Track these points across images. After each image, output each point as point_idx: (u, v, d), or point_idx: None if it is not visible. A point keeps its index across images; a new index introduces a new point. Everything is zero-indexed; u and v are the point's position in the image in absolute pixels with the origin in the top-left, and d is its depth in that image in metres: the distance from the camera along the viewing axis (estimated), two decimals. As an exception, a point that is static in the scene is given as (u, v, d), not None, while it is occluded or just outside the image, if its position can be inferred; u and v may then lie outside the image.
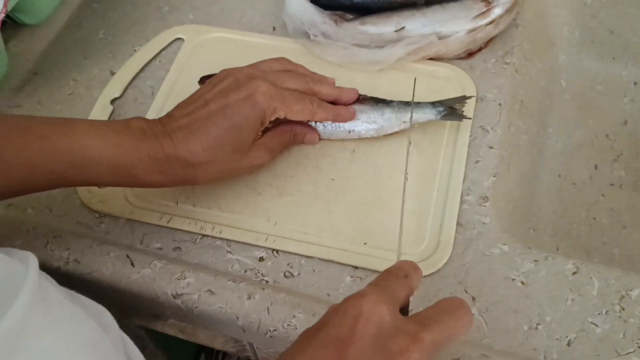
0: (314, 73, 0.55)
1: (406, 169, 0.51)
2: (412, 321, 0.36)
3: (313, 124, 0.54)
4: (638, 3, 0.67)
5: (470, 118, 0.55)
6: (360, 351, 0.34)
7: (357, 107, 0.54)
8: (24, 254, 0.33)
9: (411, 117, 0.53)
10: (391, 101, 0.54)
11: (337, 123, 0.53)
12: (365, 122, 0.54)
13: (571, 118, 0.68)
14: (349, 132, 0.54)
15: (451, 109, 0.53)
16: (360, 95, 0.55)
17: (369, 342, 0.34)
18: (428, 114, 0.53)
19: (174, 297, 0.46)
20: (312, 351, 0.35)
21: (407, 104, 0.54)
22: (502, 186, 0.54)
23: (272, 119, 0.49)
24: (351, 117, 0.53)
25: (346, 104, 0.54)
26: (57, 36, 0.65)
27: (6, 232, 0.50)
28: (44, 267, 0.48)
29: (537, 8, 0.66)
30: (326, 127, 0.54)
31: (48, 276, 0.35)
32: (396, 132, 0.54)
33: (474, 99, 0.57)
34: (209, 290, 0.46)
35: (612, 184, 0.64)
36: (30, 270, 0.31)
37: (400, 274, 0.40)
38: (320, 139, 0.55)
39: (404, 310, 0.39)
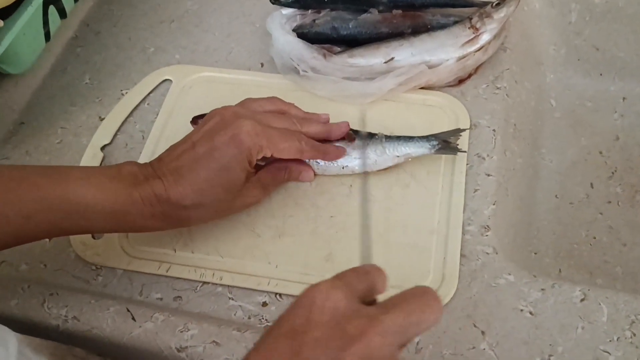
0: (307, 112, 0.55)
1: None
2: (375, 307, 0.35)
3: (307, 160, 0.54)
4: (621, 19, 0.68)
5: (465, 152, 0.54)
6: (315, 339, 0.33)
7: (349, 143, 0.54)
8: (3, 334, 0.32)
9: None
10: (384, 136, 0.54)
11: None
12: (358, 157, 0.53)
13: (563, 136, 0.68)
14: (342, 167, 0.54)
15: (445, 142, 0.53)
16: (352, 130, 0.54)
17: (324, 329, 0.33)
18: (422, 149, 0.53)
19: (179, 350, 0.45)
20: (266, 346, 0.34)
21: (400, 138, 0.53)
22: (502, 213, 0.53)
23: (259, 157, 0.48)
24: (340, 156, 0.53)
25: (338, 139, 0.54)
26: (42, 84, 0.64)
27: (1, 292, 0.49)
28: (42, 327, 0.48)
29: (522, 30, 0.66)
30: (319, 164, 0.54)
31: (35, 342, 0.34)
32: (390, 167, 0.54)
33: (467, 125, 0.56)
34: (214, 341, 0.45)
35: (609, 201, 0.64)
36: (10, 357, 0.30)
37: (360, 270, 0.38)
38: (315, 175, 0.54)
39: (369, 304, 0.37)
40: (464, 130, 0.54)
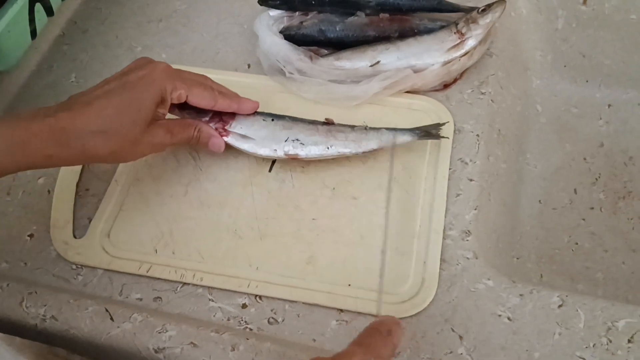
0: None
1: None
2: None
3: (297, 143, 0.54)
4: (608, 27, 0.68)
5: (447, 137, 0.55)
6: None
7: (336, 127, 0.55)
8: None
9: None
10: (370, 127, 0.55)
11: (316, 139, 0.54)
12: (343, 140, 0.54)
13: (548, 142, 0.69)
14: (328, 147, 0.54)
15: (428, 132, 0.54)
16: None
17: None
18: (406, 135, 0.54)
19: (156, 351, 0.45)
20: None
21: (385, 129, 0.55)
22: (484, 218, 0.53)
23: (174, 96, 0.50)
24: (255, 107, 0.55)
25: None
26: (27, 81, 0.64)
27: (-20, 290, 0.49)
28: (20, 326, 0.47)
29: (509, 35, 0.66)
30: (304, 146, 0.54)
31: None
32: (375, 161, 0.55)
33: (451, 123, 0.57)
34: (192, 343, 0.45)
35: (592, 208, 0.64)
36: None
37: (384, 331, 0.39)
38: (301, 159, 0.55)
39: None
40: (443, 124, 0.55)
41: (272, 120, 0.55)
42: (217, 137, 0.54)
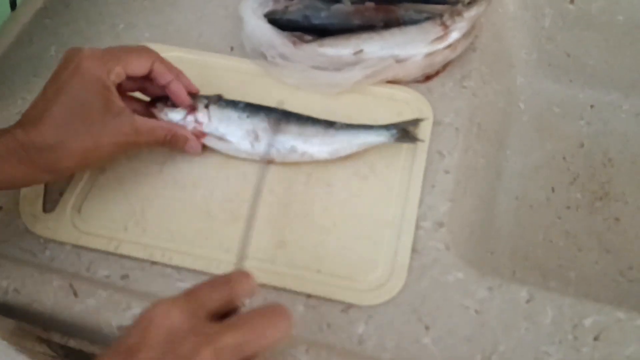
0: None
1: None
2: (218, 324, 0.36)
3: (265, 146, 0.53)
4: (594, 27, 0.68)
5: (423, 141, 0.54)
6: (148, 359, 0.33)
7: (310, 129, 0.54)
8: None
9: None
10: (344, 124, 0.54)
11: (290, 146, 0.53)
12: (317, 145, 0.53)
13: (529, 140, 0.69)
14: (302, 154, 0.53)
15: (405, 132, 0.53)
16: (312, 118, 0.54)
17: (158, 349, 0.33)
18: (381, 137, 0.53)
19: (119, 328, 0.44)
20: None
21: (360, 127, 0.53)
22: (458, 211, 0.53)
23: (112, 77, 0.48)
24: (193, 88, 0.54)
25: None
26: (5, 52, 0.63)
27: (-57, 260, 0.48)
28: (-18, 298, 0.47)
29: (494, 31, 0.66)
30: (279, 151, 0.53)
31: None
32: (351, 155, 0.54)
33: (430, 121, 0.56)
34: (156, 321, 0.44)
35: (569, 207, 0.64)
36: None
37: (219, 280, 0.39)
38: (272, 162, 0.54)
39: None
40: (422, 120, 0.54)
41: (248, 117, 0.54)
42: (193, 139, 0.53)
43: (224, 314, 0.38)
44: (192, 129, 0.53)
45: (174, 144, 0.52)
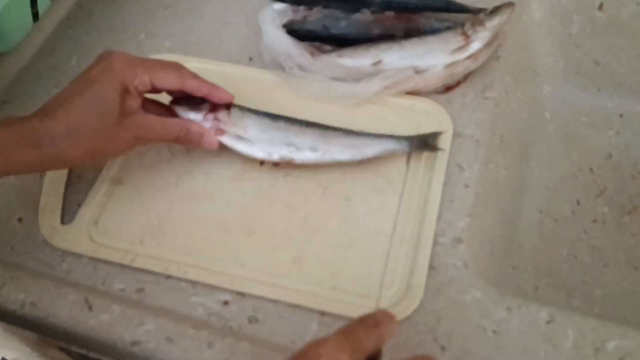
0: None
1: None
2: None
3: (293, 148, 0.53)
4: (623, 34, 0.66)
5: (443, 149, 0.54)
6: None
7: (331, 132, 0.54)
8: None
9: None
10: (365, 132, 0.54)
11: (311, 145, 0.53)
12: (339, 145, 0.53)
13: (555, 151, 0.67)
14: (323, 153, 0.53)
15: (423, 142, 0.53)
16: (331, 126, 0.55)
17: None
18: (402, 145, 0.53)
19: (132, 344, 0.45)
20: None
21: (380, 135, 0.54)
22: (478, 226, 0.52)
23: (137, 84, 0.49)
24: (227, 98, 0.53)
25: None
26: (28, 63, 0.64)
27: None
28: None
29: (519, 39, 0.64)
30: (300, 150, 0.53)
31: None
32: (369, 166, 0.54)
33: (450, 133, 0.55)
34: (168, 338, 0.44)
35: (595, 220, 0.62)
36: None
37: (370, 322, 0.38)
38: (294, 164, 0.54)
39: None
40: (441, 133, 0.54)
41: (268, 120, 0.54)
42: (209, 135, 0.53)
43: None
44: (211, 126, 0.53)
45: (189, 141, 0.52)
